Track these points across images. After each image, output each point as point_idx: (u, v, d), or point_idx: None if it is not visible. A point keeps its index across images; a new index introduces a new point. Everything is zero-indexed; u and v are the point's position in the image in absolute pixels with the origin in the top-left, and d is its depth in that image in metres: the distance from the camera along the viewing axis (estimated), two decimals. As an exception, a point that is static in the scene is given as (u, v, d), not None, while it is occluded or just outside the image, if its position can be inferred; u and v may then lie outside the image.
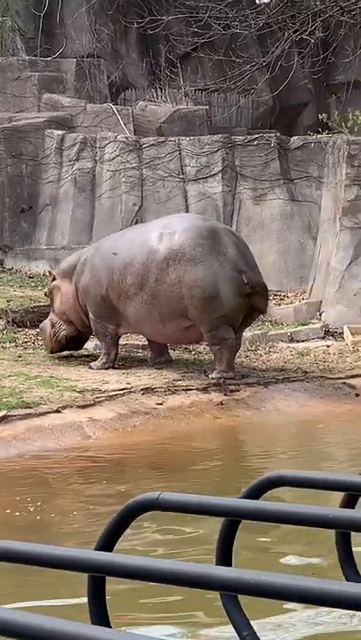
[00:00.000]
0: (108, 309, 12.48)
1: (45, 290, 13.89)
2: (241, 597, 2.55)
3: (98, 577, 2.43)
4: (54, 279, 13.12)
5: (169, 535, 7.09)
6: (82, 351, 13.46)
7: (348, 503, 2.92)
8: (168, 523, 7.01)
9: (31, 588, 5.88)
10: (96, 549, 2.51)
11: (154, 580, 2.24)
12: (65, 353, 13.18)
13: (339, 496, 2.99)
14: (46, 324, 13.03)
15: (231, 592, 2.44)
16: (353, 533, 2.87)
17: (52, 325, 12.92)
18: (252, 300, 11.98)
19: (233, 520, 2.73)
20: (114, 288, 12.35)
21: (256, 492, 2.78)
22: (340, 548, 2.95)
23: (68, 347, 13.12)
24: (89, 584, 2.43)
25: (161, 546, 6.93)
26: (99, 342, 12.99)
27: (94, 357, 12.93)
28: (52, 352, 13.02)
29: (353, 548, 2.97)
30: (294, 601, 2.10)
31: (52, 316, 13.04)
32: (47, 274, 17.86)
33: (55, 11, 21.98)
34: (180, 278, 11.90)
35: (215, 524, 2.80)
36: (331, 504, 3.03)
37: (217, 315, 11.88)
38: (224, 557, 2.75)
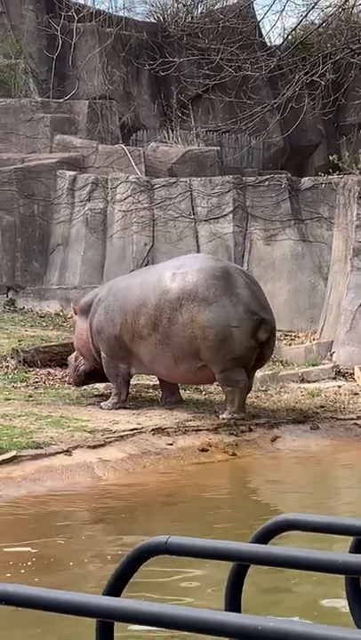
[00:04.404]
0: (121, 350, 12.47)
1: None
2: None
3: (107, 622, 2.41)
4: (75, 313, 13.34)
5: (177, 576, 7.04)
6: (92, 391, 13.46)
7: (357, 548, 2.91)
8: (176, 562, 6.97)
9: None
10: (104, 594, 2.50)
11: (162, 625, 2.23)
12: (76, 393, 13.20)
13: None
14: (72, 357, 13.24)
15: (241, 639, 2.43)
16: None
17: (75, 359, 13.11)
18: (263, 341, 11.95)
19: (242, 565, 2.72)
20: (127, 329, 12.34)
21: (264, 537, 2.77)
22: (350, 593, 2.92)
23: (90, 381, 13.21)
24: (97, 630, 2.42)
25: (169, 587, 6.88)
26: (110, 382, 12.98)
27: (105, 397, 12.92)
28: (75, 385, 13.23)
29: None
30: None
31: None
32: (59, 313, 17.97)
33: (68, 53, 22.19)
34: (192, 318, 11.88)
35: (224, 565, 2.79)
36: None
37: (230, 356, 11.84)
38: (233, 602, 2.74)
